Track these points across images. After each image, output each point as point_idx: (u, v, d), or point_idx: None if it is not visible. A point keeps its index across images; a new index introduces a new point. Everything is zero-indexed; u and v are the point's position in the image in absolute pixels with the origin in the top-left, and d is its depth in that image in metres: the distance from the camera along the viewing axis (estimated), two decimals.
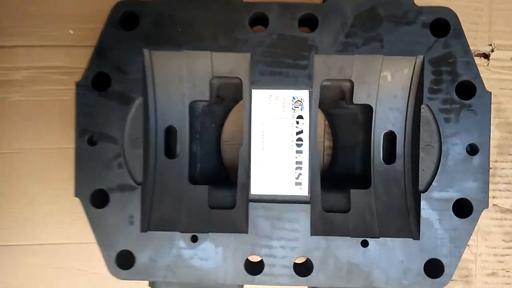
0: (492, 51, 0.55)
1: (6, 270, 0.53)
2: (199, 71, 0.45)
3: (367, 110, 0.47)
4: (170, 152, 0.47)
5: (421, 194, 0.43)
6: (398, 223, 0.44)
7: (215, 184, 0.47)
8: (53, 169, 0.53)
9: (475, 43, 0.55)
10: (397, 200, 0.45)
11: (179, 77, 0.45)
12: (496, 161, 0.56)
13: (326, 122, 0.53)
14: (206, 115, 0.51)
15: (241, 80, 0.45)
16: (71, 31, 0.53)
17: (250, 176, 0.44)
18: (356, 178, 0.49)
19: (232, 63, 0.44)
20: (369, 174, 0.46)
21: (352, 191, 0.46)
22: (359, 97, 0.45)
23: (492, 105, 0.54)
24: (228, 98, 0.50)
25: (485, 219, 0.56)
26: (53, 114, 0.52)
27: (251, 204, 0.43)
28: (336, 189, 0.47)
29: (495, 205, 0.56)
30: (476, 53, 0.55)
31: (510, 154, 0.56)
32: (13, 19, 0.52)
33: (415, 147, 0.44)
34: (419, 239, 0.43)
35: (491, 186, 0.54)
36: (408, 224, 0.43)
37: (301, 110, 0.46)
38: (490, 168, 0.55)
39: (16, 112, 0.53)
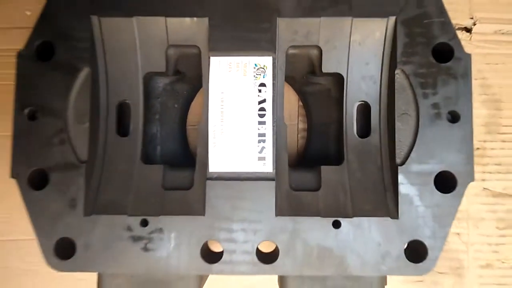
0: (474, 24, 0.52)
1: None
2: (153, 40, 0.42)
3: (339, 81, 0.43)
4: (123, 129, 0.44)
5: (399, 167, 0.38)
6: (374, 201, 0.39)
7: (175, 166, 0.42)
8: None
9: (455, 17, 0.51)
10: (373, 176, 0.40)
11: (132, 46, 0.42)
12: (484, 141, 0.51)
13: (300, 103, 0.51)
14: (168, 95, 0.48)
15: (199, 49, 0.41)
16: (28, 13, 0.50)
17: (208, 153, 0.39)
18: (330, 156, 0.46)
19: (189, 30, 0.42)
20: (342, 150, 0.41)
21: (323, 168, 0.41)
22: (329, 66, 0.41)
23: (476, 80, 0.51)
24: (191, 75, 0.47)
25: (476, 204, 0.50)
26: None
27: (209, 183, 0.39)
28: (306, 167, 0.42)
29: (485, 189, 0.51)
30: (457, 27, 0.52)
31: (499, 133, 0.51)
32: None
33: (390, 117, 0.40)
34: (398, 218, 0.38)
35: (480, 168, 0.49)
36: (385, 202, 0.38)
37: (263, 77, 0.42)
38: (478, 148, 0.50)
39: None
